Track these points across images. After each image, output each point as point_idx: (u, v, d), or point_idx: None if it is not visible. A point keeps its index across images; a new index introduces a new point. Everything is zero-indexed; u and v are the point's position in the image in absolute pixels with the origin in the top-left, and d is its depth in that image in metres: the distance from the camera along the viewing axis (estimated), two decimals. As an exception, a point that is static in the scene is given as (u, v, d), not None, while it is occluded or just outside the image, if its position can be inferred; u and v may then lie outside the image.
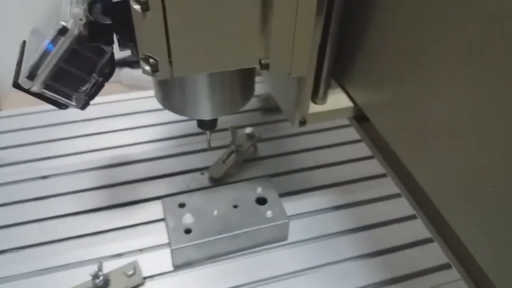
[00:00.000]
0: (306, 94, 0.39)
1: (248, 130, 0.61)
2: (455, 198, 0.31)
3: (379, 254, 0.51)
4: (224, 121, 0.61)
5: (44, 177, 0.59)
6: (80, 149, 0.62)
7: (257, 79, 0.44)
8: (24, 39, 0.38)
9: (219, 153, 0.60)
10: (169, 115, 0.68)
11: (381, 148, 0.40)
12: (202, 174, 0.60)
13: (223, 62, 0.34)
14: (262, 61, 0.34)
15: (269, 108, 0.69)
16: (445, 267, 0.50)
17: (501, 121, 0.25)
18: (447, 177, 0.31)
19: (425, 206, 0.36)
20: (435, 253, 0.51)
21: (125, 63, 1.04)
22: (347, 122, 0.67)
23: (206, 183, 0.58)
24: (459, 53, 0.28)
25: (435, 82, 0.30)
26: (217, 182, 0.58)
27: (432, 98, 0.31)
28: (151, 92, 0.72)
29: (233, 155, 0.60)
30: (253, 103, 0.70)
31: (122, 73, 1.07)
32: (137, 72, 1.17)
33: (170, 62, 0.32)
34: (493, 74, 0.25)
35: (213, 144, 0.51)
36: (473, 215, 0.29)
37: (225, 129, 0.59)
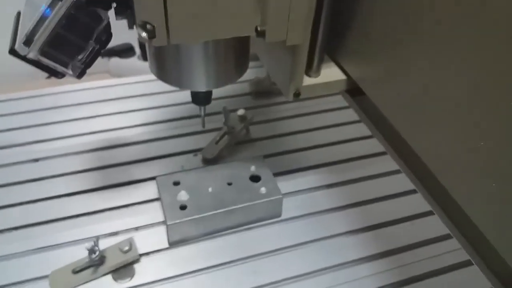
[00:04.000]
0: (300, 65, 0.40)
1: (241, 112, 0.62)
2: (457, 168, 0.30)
3: (371, 229, 0.52)
4: (218, 104, 0.61)
5: (36, 160, 0.58)
6: (72, 132, 0.62)
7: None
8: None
9: (212, 135, 0.61)
10: (160, 99, 0.69)
11: (379, 125, 0.41)
12: (195, 155, 0.60)
13: (220, 29, 0.34)
14: (259, 28, 0.34)
15: (261, 92, 0.70)
16: (436, 240, 0.51)
17: (501, 88, 0.25)
18: (447, 147, 0.30)
19: (424, 180, 0.36)
20: (426, 227, 0.52)
21: (113, 52, 1.03)
22: (339, 104, 0.68)
23: (200, 164, 0.59)
24: (456, 18, 0.28)
25: (433, 49, 0.30)
26: (210, 163, 0.58)
27: (429, 66, 0.31)
28: (141, 78, 0.73)
29: (226, 136, 0.60)
30: (244, 87, 0.71)
31: (111, 63, 1.06)
32: (126, 61, 1.17)
33: (167, 28, 0.33)
34: (491, 38, 0.25)
35: (206, 127, 0.52)
36: (477, 185, 0.29)
37: (219, 113, 0.60)
